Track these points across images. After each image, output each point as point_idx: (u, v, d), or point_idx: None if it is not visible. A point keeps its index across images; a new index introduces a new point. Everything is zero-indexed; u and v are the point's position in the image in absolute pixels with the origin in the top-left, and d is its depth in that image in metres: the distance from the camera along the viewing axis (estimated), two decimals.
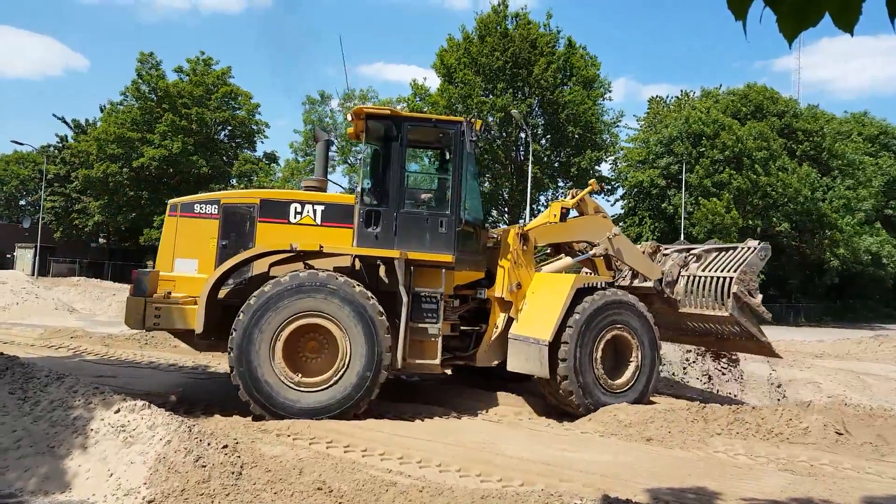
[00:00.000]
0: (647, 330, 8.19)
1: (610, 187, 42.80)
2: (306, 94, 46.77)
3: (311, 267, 7.50)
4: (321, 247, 7.40)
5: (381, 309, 7.17)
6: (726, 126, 38.59)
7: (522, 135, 37.63)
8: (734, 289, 8.53)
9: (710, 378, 11.28)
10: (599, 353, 7.93)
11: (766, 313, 8.73)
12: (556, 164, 39.33)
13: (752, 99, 42.74)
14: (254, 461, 4.98)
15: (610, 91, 41.07)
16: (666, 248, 10.13)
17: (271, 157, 48.74)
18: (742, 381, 10.88)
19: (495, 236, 8.85)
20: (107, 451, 4.93)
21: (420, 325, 7.62)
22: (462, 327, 8.33)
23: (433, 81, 40.35)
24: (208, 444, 4.97)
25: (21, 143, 54.90)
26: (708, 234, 35.83)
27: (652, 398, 9.11)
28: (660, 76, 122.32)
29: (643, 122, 50.03)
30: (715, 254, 9.36)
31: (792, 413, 7.20)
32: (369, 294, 7.19)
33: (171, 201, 8.17)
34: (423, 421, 7.37)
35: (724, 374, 10.68)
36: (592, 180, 9.90)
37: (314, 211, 7.84)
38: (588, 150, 37.53)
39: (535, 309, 8.09)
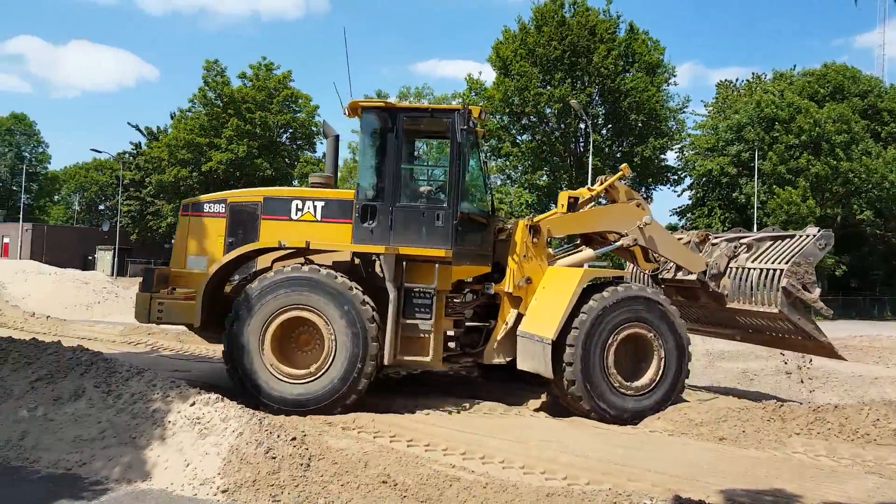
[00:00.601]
0: (671, 328, 7.53)
1: (676, 177, 41.54)
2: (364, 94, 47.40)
3: (312, 262, 7.59)
4: (307, 243, 7.52)
5: (367, 302, 7.23)
6: (802, 109, 36.73)
7: (582, 125, 36.96)
8: (783, 283, 7.74)
9: (788, 375, 10.81)
10: (612, 353, 7.37)
11: (826, 310, 8.03)
12: (617, 155, 38.48)
13: (831, 79, 40.44)
14: (321, 454, 5.10)
15: (675, 76, 39.88)
16: (716, 237, 9.40)
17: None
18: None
19: (508, 228, 8.54)
20: (183, 442, 5.15)
21: (411, 322, 7.50)
22: (469, 323, 8.12)
23: (489, 75, 40.11)
24: (278, 437, 5.12)
25: (99, 151, 58.04)
26: (783, 225, 34.27)
27: (723, 396, 8.81)
28: (728, 59, 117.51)
29: (711, 108, 48.24)
30: (769, 243, 8.59)
31: (879, 413, 6.76)
32: (355, 288, 7.23)
33: (183, 201, 8.53)
34: (485, 417, 7.36)
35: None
36: (624, 165, 9.25)
37: (314, 207, 7.90)
38: (652, 139, 36.50)
39: (543, 305, 7.69)
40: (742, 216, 38.85)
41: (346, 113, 8.22)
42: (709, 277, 8.57)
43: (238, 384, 7.15)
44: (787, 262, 7.92)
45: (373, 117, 7.89)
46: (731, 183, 39.40)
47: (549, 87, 35.79)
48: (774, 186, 36.10)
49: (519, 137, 39.52)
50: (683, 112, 41.30)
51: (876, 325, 29.90)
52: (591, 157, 32.26)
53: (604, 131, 37.96)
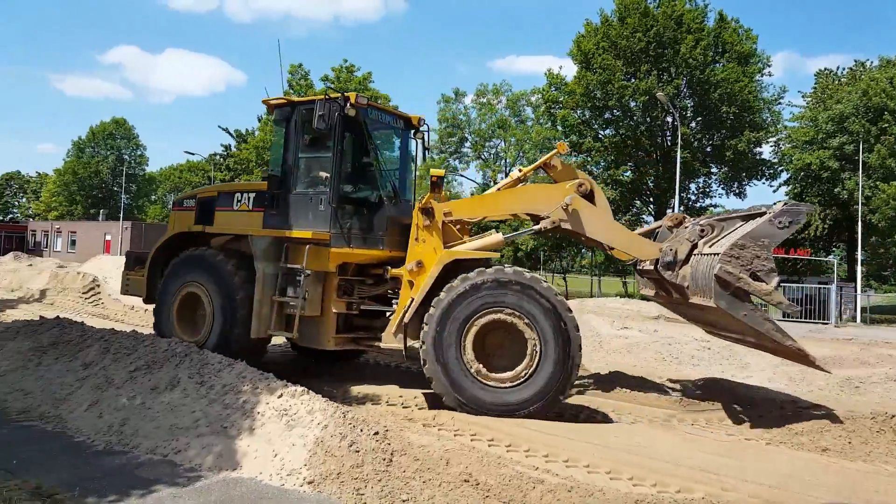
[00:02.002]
0: (549, 317, 6.87)
1: (772, 171, 39.35)
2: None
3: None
4: (204, 229, 8.84)
5: (239, 279, 8.13)
6: None
7: (669, 118, 35.66)
8: (716, 270, 6.58)
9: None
10: (471, 340, 6.95)
11: (786, 304, 6.71)
12: (707, 148, 36.88)
13: None
14: (403, 449, 5.09)
15: (769, 66, 37.72)
16: (696, 220, 8.14)
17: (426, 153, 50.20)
18: None
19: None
20: (271, 432, 5.28)
21: (282, 300, 8.01)
22: (364, 307, 8.23)
23: (569, 70, 39.33)
24: (361, 431, 5.16)
25: (192, 153, 61.59)
26: (890, 223, 31.87)
27: (825, 404, 8.23)
28: (826, 47, 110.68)
29: (810, 99, 45.40)
30: (738, 224, 7.39)
31: None
32: (234, 267, 8.23)
33: (174, 199, 10.28)
34: (568, 420, 7.19)
35: None
36: (560, 142, 8.58)
37: (248, 199, 8.68)
38: (746, 131, 34.74)
39: (418, 288, 7.50)
40: (844, 213, 36.36)
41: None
42: (661, 266, 7.61)
43: None
44: (727, 246, 6.69)
45: (278, 112, 8.55)
46: (832, 178, 36.94)
47: (633, 80, 34.77)
48: (880, 182, 33.55)
49: (601, 132, 38.63)
50: (779, 103, 39.09)
51: None
52: (679, 150, 31.06)
53: (692, 124, 36.47)
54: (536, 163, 8.60)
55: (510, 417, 6.75)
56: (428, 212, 7.78)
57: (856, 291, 33.21)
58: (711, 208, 40.39)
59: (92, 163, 73.12)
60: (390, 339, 7.86)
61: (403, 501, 4.48)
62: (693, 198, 39.86)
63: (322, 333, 7.98)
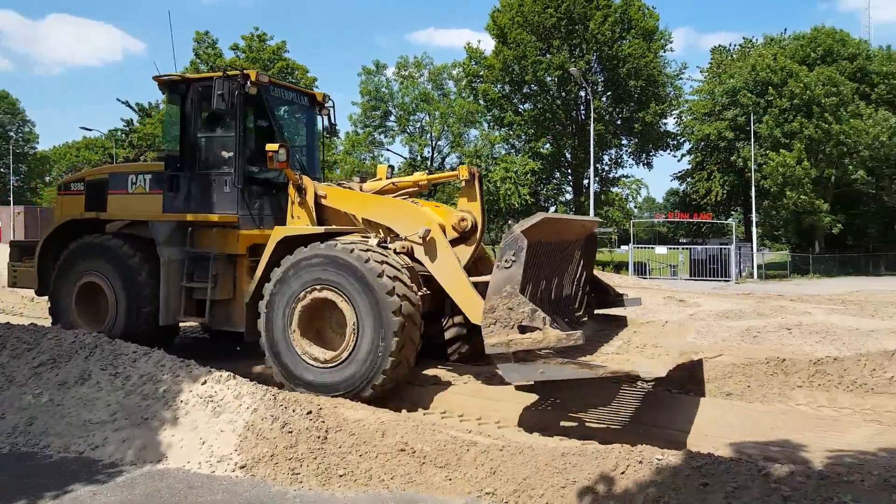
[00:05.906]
0: (364, 292, 6.20)
1: (676, 142, 41.45)
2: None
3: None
4: (97, 215, 8.29)
5: (142, 265, 7.76)
6: (794, 73, 36.40)
7: (582, 93, 36.69)
8: (487, 350, 5.52)
9: (789, 332, 10.91)
10: (296, 319, 6.52)
11: (576, 336, 5.28)
12: (618, 121, 38.31)
13: (821, 42, 39.95)
14: (338, 426, 5.09)
15: (671, 42, 39.51)
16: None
17: (331, 131, 49.09)
18: None
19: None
20: (197, 420, 5.12)
21: (191, 286, 7.65)
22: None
23: (488, 44, 39.50)
24: (293, 411, 5.10)
25: (89, 129, 56.20)
26: (780, 187, 34.28)
27: (728, 353, 8.82)
28: (718, 24, 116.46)
29: (707, 73, 47.84)
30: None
31: (876, 363, 6.90)
32: (135, 254, 7.79)
33: (59, 182, 9.84)
34: (500, 384, 7.35)
35: None
36: (461, 166, 7.32)
37: (145, 180, 8.26)
38: (652, 104, 36.32)
39: None
40: (741, 179, 38.78)
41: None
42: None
43: None
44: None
45: (172, 90, 8.15)
46: (728, 147, 39.28)
47: (547, 55, 35.45)
48: (769, 151, 35.90)
49: (521, 106, 39.27)
50: (680, 78, 41.06)
51: (871, 280, 30.39)
52: (592, 123, 32.03)
53: (604, 98, 37.71)
54: (441, 175, 8.71)
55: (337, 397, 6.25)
56: (300, 189, 7.42)
57: (752, 251, 35.71)
58: (624, 178, 42.13)
59: None
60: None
61: (340, 476, 4.50)
62: (607, 168, 41.45)
63: (235, 315, 7.54)
